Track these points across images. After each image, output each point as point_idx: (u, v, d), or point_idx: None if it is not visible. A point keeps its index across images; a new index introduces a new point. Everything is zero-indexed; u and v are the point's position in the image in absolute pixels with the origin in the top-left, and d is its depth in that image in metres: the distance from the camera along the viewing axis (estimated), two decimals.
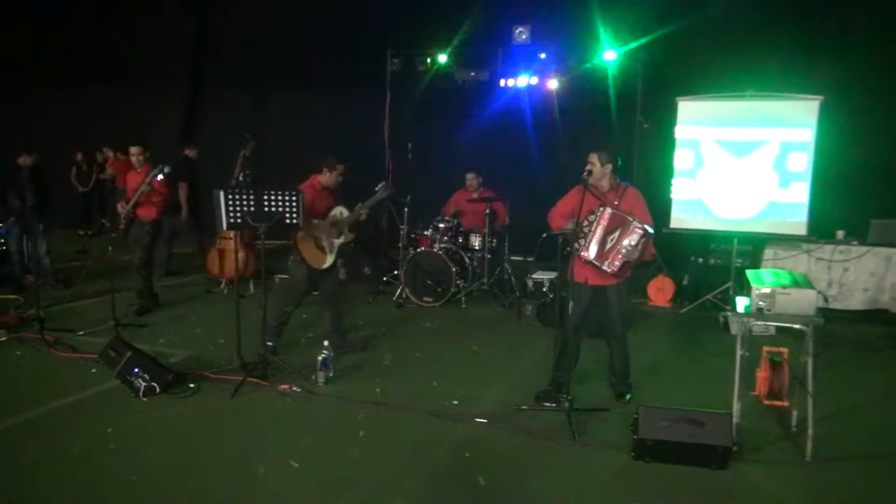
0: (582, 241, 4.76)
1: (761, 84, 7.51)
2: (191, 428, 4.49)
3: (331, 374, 5.31)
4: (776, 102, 7.44)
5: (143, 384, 4.88)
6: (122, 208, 6.92)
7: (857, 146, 8.19)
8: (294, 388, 5.11)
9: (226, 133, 10.14)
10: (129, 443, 4.24)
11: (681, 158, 7.79)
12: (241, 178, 7.60)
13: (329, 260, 5.83)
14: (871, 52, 8.26)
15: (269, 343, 5.65)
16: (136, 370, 4.91)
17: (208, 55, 12.78)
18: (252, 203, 5.13)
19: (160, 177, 6.79)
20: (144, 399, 4.87)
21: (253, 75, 12.23)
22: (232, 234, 7.68)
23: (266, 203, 5.14)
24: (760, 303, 4.14)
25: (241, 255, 7.85)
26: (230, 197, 5.12)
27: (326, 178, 5.90)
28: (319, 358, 5.24)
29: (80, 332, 6.45)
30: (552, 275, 7.02)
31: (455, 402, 4.97)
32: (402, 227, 8.28)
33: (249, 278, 8.27)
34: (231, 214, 5.15)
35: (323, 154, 6.00)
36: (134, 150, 7.04)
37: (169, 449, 4.20)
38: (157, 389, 4.91)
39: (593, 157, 4.79)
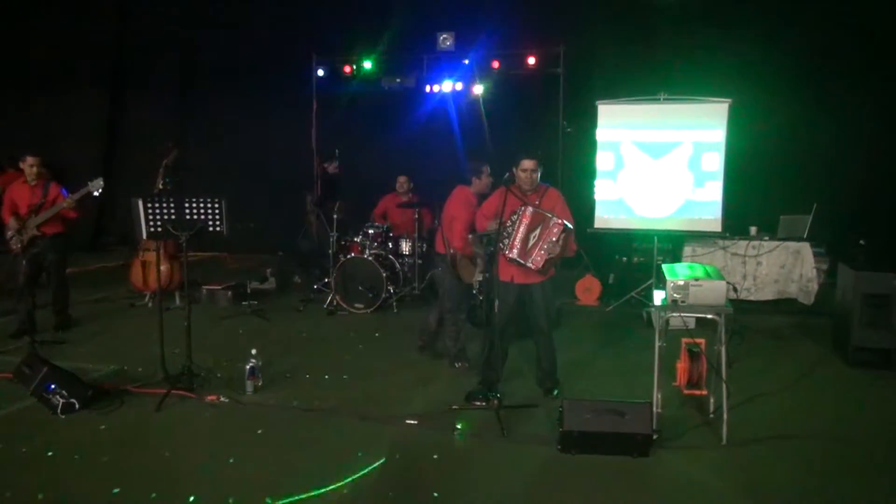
0: (506, 241, 4.87)
1: (674, 87, 7.83)
2: (112, 444, 4.35)
3: (259, 383, 5.24)
4: (688, 105, 7.77)
5: (61, 401, 4.70)
6: (16, 224, 6.58)
7: (766, 145, 8.66)
8: (222, 399, 5.02)
9: (148, 142, 9.93)
10: (45, 462, 4.09)
11: (602, 160, 8.03)
12: (161, 187, 7.41)
13: (478, 274, 5.71)
14: (774, 56, 8.75)
15: (458, 364, 5.71)
16: (52, 387, 4.72)
17: (131, 60, 12.46)
18: (173, 211, 5.02)
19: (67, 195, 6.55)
20: (63, 417, 4.70)
21: (177, 82, 12.00)
22: (154, 245, 7.53)
23: (188, 211, 5.03)
24: (675, 295, 4.32)
25: (164, 266, 7.70)
26: (150, 205, 5.00)
27: (478, 184, 5.63)
28: (247, 367, 5.17)
29: None
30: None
31: (385, 405, 4.98)
32: (332, 233, 8.25)
33: (175, 290, 8.07)
34: (151, 223, 5.03)
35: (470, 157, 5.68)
36: (32, 160, 6.65)
37: (88, 467, 4.05)
38: (77, 406, 4.74)
39: (533, 164, 4.92)
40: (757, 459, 4.17)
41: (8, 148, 11.03)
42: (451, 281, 5.77)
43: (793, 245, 7.71)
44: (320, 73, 9.70)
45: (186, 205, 5.04)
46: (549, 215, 4.80)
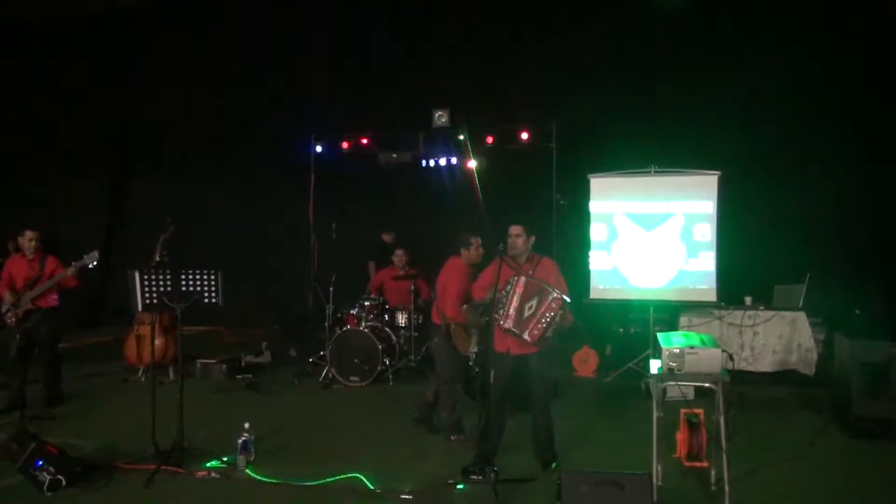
0: (501, 311, 4.88)
1: (665, 160, 8.00)
2: None
3: (251, 458, 5.14)
4: (678, 177, 7.92)
5: (48, 478, 4.59)
6: (11, 298, 6.66)
7: (757, 216, 8.79)
8: (213, 474, 4.91)
9: (148, 220, 10.05)
10: None
11: (596, 231, 8.12)
12: (158, 259, 7.47)
13: (474, 344, 5.74)
14: (762, 129, 8.98)
15: (454, 437, 5.59)
16: (40, 463, 4.63)
17: (132, 145, 12.76)
18: (169, 283, 5.05)
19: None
20: (49, 494, 4.58)
21: (177, 161, 12.24)
22: (149, 319, 7.52)
23: (184, 283, 5.06)
24: (671, 363, 4.31)
25: (159, 340, 7.67)
26: (146, 277, 5.03)
27: (468, 255, 5.71)
28: (239, 441, 5.09)
29: None
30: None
31: (380, 480, 4.87)
32: (328, 306, 8.25)
33: (169, 364, 8.00)
34: (147, 295, 5.04)
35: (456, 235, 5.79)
36: (31, 234, 6.82)
37: None
38: (64, 483, 4.63)
39: (518, 229, 5.00)
40: None
41: (11, 230, 11.20)
42: (447, 351, 5.76)
43: (788, 315, 7.70)
44: (318, 149, 9.91)
45: (182, 277, 5.07)
46: (549, 288, 4.82)
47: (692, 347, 4.33)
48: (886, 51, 8.73)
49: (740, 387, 7.00)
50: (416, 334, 8.14)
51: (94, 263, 6.57)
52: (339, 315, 8.29)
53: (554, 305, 4.77)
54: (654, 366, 4.57)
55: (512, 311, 4.85)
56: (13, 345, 6.63)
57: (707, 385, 4.45)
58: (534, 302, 4.83)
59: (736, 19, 9.49)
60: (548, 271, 5.05)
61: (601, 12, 9.92)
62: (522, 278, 4.88)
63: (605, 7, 9.91)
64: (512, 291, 4.86)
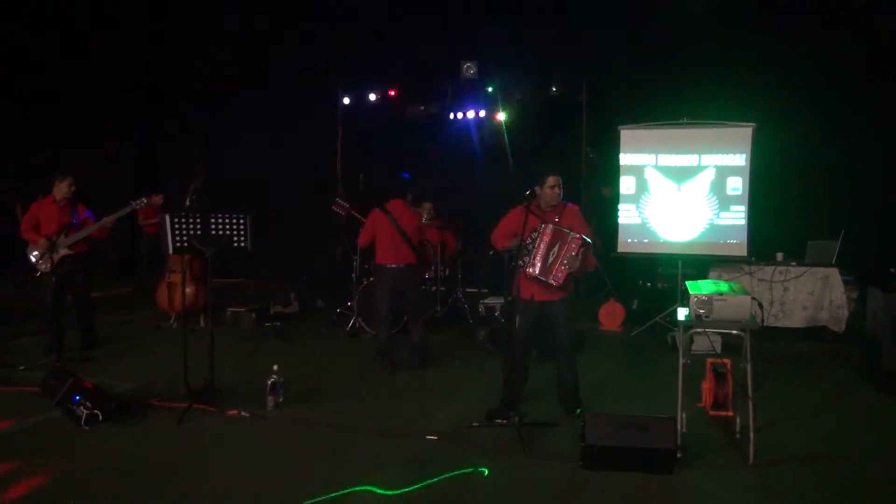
0: (526, 259, 4.86)
1: (697, 112, 7.83)
2: (134, 455, 4.37)
3: (280, 399, 5.25)
4: (711, 129, 7.76)
5: (85, 412, 4.74)
6: (46, 244, 6.61)
7: (791, 171, 8.59)
8: (243, 413, 5.03)
9: (177, 169, 10.12)
10: (68, 472, 4.11)
11: (625, 185, 8.02)
12: (188, 205, 7.57)
13: None
14: (798, 81, 8.71)
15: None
16: (77, 398, 4.77)
17: (161, 94, 12.78)
18: (199, 227, 5.11)
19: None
20: (86, 428, 4.73)
21: (207, 113, 12.27)
22: (180, 267, 7.64)
23: (213, 226, 5.11)
24: (699, 310, 4.26)
25: (190, 288, 7.80)
26: (176, 221, 5.09)
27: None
28: (269, 382, 5.19)
29: (21, 368, 6.26)
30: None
31: (406, 422, 4.95)
32: (355, 257, 8.30)
33: (200, 312, 8.15)
34: (178, 239, 5.11)
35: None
36: (70, 179, 6.77)
37: (110, 477, 4.07)
38: (100, 417, 4.77)
39: (557, 180, 4.95)
40: (785, 480, 4.06)
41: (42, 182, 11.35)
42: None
43: (821, 271, 7.57)
44: (346, 101, 9.87)
45: (212, 221, 5.12)
46: (568, 231, 4.80)
47: (721, 294, 4.28)
48: None
49: (769, 343, 6.96)
50: (444, 289, 8.18)
51: (143, 206, 6.80)
52: (366, 266, 8.34)
53: (574, 245, 4.75)
54: (682, 313, 4.53)
55: (538, 258, 4.84)
56: (49, 290, 6.74)
57: (735, 332, 4.41)
58: (556, 247, 4.81)
59: None
60: (573, 218, 5.01)
61: None
62: (549, 226, 4.84)
63: None
64: (539, 239, 4.83)
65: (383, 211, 6.60)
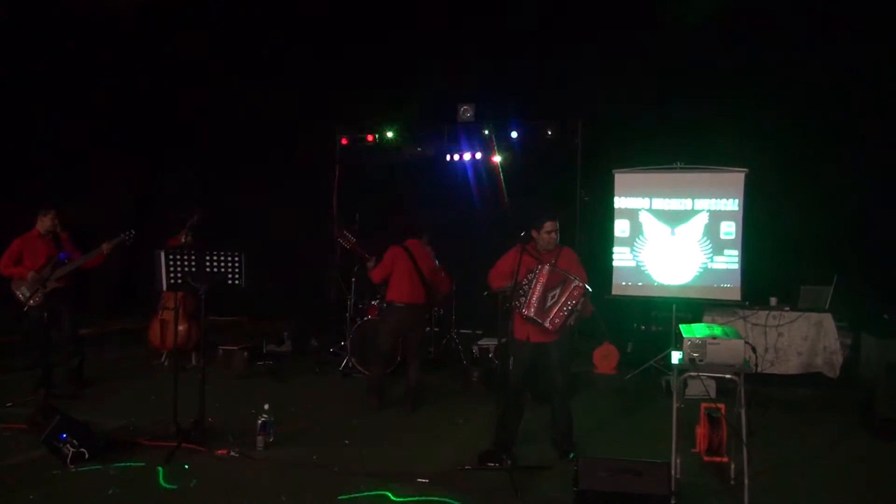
0: (522, 300, 4.87)
1: (691, 157, 7.93)
2: (119, 496, 4.30)
3: (271, 439, 5.18)
4: (705, 174, 7.85)
5: (72, 451, 4.67)
6: (36, 277, 6.51)
7: (784, 215, 8.64)
8: (231, 453, 4.96)
9: (175, 209, 10.11)
10: None
11: (620, 227, 8.08)
12: (184, 241, 7.58)
13: None
14: (789, 128, 8.83)
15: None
16: (64, 436, 4.70)
17: (159, 133, 12.89)
18: (193, 263, 5.11)
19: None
20: (73, 467, 4.66)
21: (205, 151, 12.35)
22: (173, 304, 7.60)
23: (208, 263, 5.12)
24: (692, 353, 4.25)
25: (183, 326, 7.76)
26: (171, 257, 5.09)
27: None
28: (259, 422, 5.13)
29: (9, 404, 6.18)
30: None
31: (397, 463, 4.89)
32: (350, 297, 8.29)
33: (192, 350, 8.08)
34: (171, 275, 5.10)
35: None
36: (54, 213, 6.70)
37: None
38: (87, 455, 4.70)
39: (556, 225, 4.99)
40: None
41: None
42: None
43: (814, 316, 7.59)
44: (343, 142, 9.96)
45: (206, 258, 5.12)
46: (571, 277, 4.81)
47: (714, 337, 4.27)
48: None
49: (764, 388, 6.93)
50: (437, 329, 8.15)
51: (130, 241, 6.59)
52: (360, 306, 8.33)
53: (576, 293, 4.76)
54: (675, 356, 4.52)
55: (535, 299, 4.84)
56: (38, 325, 6.66)
57: (729, 376, 4.39)
58: (556, 291, 4.82)
59: (765, 20, 9.34)
60: (569, 261, 5.03)
61: (629, 13, 9.83)
62: (546, 267, 4.86)
63: (633, 8, 9.82)
64: (535, 280, 4.84)
65: (403, 248, 6.59)
